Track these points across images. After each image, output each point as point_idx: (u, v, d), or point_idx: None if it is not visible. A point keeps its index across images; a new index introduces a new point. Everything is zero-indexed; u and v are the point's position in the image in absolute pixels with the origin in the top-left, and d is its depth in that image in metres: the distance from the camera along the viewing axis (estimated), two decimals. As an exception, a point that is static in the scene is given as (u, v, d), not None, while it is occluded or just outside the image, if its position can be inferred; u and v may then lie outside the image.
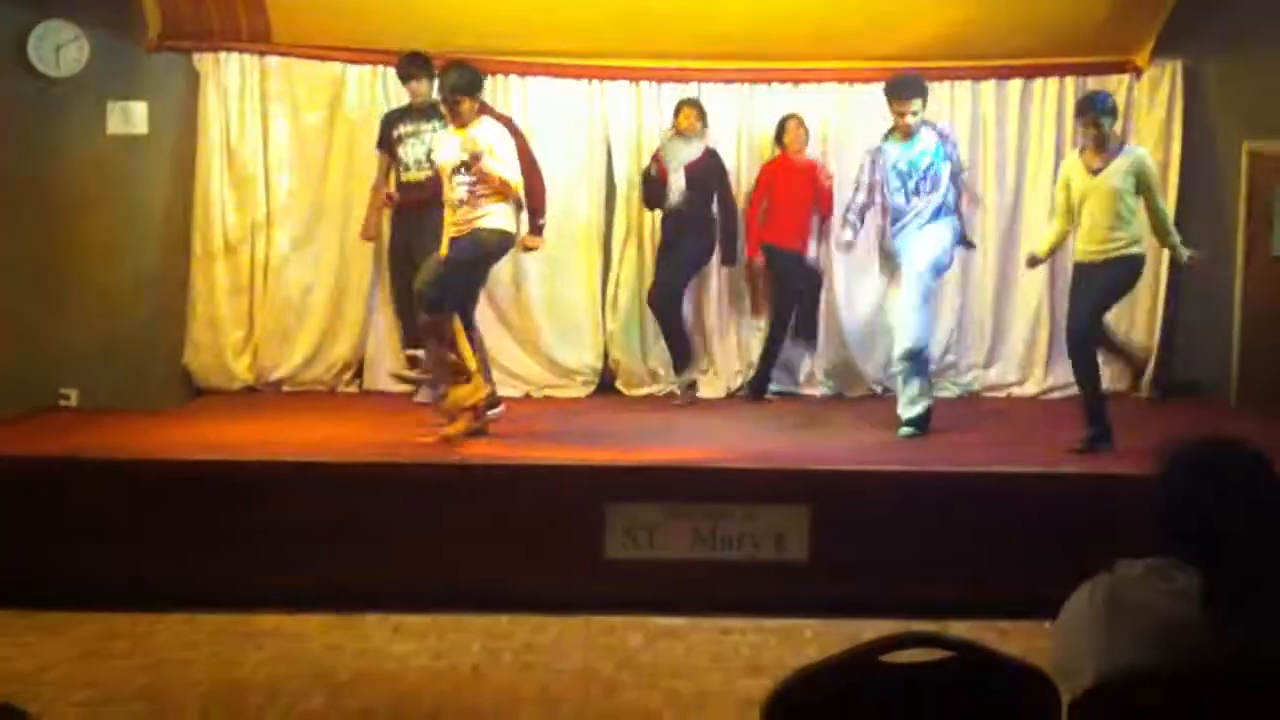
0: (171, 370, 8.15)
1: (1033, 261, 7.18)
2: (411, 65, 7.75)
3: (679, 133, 8.10)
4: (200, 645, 5.46)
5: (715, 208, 8.19)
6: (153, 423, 7.20)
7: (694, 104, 8.17)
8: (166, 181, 8.05)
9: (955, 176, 7.19)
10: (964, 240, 7.38)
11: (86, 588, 5.76)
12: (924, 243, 7.04)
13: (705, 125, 8.15)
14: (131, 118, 7.81)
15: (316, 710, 4.83)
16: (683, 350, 8.18)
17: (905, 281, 7.04)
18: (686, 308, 8.38)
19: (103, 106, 7.77)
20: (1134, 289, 7.12)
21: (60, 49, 7.65)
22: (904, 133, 7.07)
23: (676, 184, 8.01)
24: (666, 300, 8.14)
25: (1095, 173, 6.52)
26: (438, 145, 7.12)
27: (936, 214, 7.09)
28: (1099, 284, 6.60)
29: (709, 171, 8.11)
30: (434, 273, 6.65)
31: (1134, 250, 6.62)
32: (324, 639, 5.55)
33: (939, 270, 7.22)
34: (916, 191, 7.06)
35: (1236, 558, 2.32)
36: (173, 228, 8.13)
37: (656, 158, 8.13)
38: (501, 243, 6.76)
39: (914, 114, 7.02)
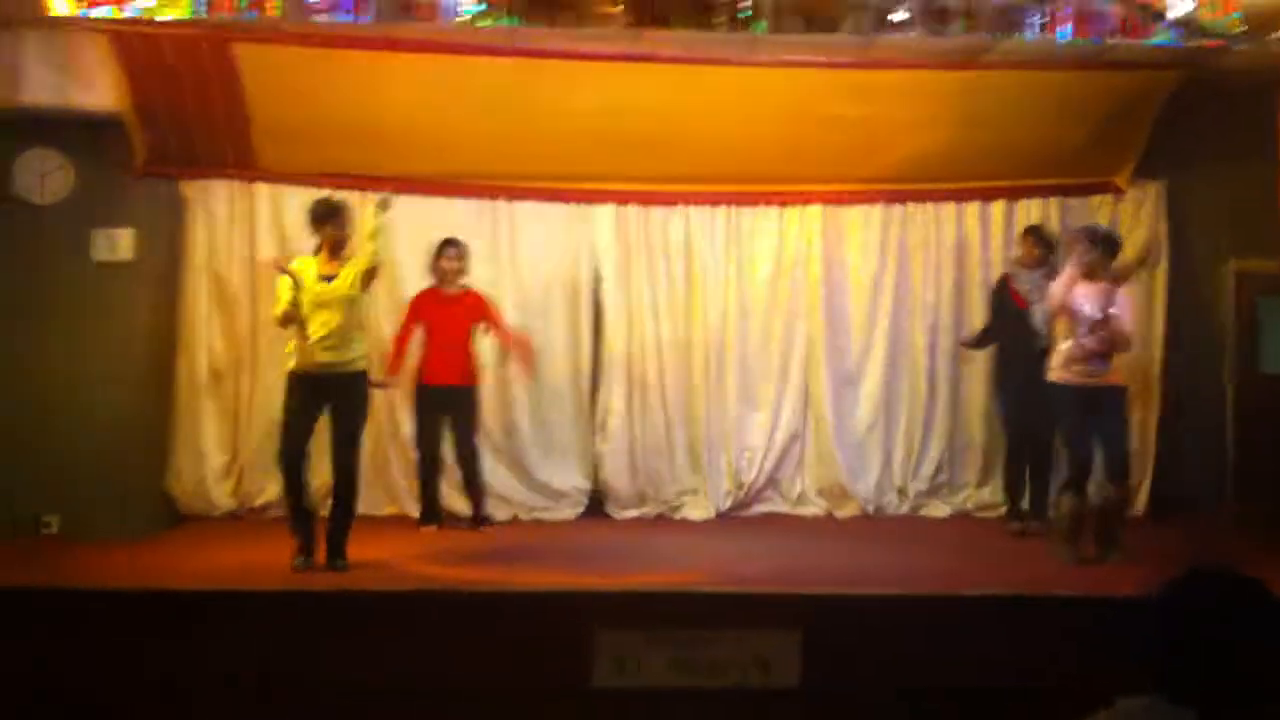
0: (154, 496, 8.03)
1: None
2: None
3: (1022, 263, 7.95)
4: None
5: None
6: (132, 552, 7.03)
7: (1033, 232, 8.03)
8: (152, 307, 8.02)
9: None
10: None
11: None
12: None
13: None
14: (116, 245, 7.77)
15: None
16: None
17: None
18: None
19: (87, 234, 7.74)
20: None
21: (45, 177, 7.65)
22: None
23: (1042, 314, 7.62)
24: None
25: None
26: None
27: None
28: None
29: None
30: None
31: None
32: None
33: None
34: None
35: (1238, 695, 2.26)
36: (158, 353, 8.08)
37: (1012, 291, 7.90)
38: None
39: None
